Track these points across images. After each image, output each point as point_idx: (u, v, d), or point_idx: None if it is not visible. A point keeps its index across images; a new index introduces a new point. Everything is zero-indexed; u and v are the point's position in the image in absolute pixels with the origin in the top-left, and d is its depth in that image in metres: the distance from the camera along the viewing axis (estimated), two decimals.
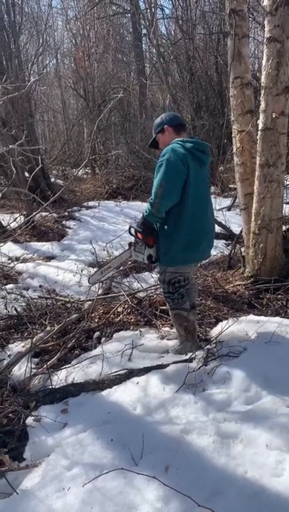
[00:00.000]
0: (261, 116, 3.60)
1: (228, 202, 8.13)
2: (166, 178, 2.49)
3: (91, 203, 9.46)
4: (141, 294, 3.74)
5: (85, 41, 13.47)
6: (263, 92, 3.57)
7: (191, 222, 2.57)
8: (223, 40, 10.76)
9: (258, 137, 3.70)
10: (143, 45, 15.32)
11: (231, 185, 9.32)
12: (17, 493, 1.83)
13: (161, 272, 2.82)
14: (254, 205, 3.82)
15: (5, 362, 2.81)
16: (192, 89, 11.29)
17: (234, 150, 4.13)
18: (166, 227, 2.63)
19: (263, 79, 3.57)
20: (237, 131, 4.04)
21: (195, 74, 11.27)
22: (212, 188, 9.80)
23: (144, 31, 14.33)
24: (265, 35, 3.51)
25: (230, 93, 4.12)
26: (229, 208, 7.78)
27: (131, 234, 2.86)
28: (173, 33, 13.93)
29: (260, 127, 3.63)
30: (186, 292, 2.91)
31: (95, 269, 3.29)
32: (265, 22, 3.52)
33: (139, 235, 2.76)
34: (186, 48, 11.13)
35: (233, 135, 4.15)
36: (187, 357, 2.77)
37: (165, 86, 10.01)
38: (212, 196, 8.74)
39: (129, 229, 2.88)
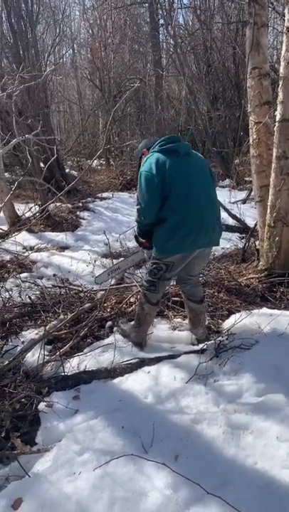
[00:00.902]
0: (279, 107, 3.55)
1: (243, 195, 8.06)
2: (141, 192, 2.62)
3: (105, 194, 9.47)
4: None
5: (101, 31, 13.39)
6: (281, 82, 3.52)
7: (176, 215, 2.52)
8: (242, 30, 10.61)
9: (275, 129, 3.64)
10: (160, 36, 15.19)
11: (247, 178, 9.23)
12: (29, 476, 1.87)
13: (149, 256, 2.86)
14: (270, 198, 3.78)
15: (18, 348, 2.84)
16: (209, 81, 11.18)
17: (250, 142, 4.09)
18: (158, 218, 2.66)
19: (281, 69, 3.51)
20: (254, 122, 3.99)
21: (212, 65, 11.15)
22: (227, 180, 9.73)
23: (161, 21, 14.19)
24: (285, 25, 3.45)
25: (247, 84, 4.07)
26: (244, 201, 7.71)
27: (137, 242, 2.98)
28: (190, 23, 13.79)
29: (277, 118, 3.58)
30: (189, 289, 2.93)
31: (104, 269, 3.32)
32: (285, 11, 3.45)
33: (143, 241, 2.89)
34: (203, 39, 11.00)
35: (249, 126, 4.10)
36: (199, 348, 2.77)
37: (182, 77, 9.93)
38: (227, 189, 8.66)
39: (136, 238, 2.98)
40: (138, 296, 3.00)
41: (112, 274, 3.14)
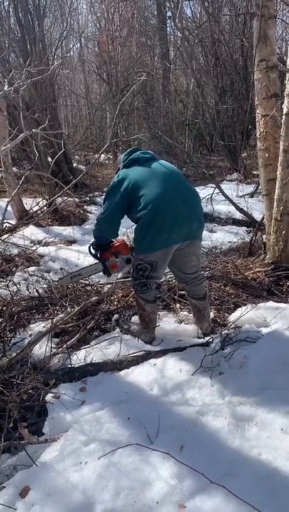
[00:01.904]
0: (286, 100, 3.52)
1: (251, 188, 8.03)
2: (104, 202, 2.78)
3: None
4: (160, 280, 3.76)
5: (109, 24, 13.33)
6: (288, 75, 3.49)
7: (147, 214, 2.52)
8: (250, 22, 10.50)
9: (282, 122, 3.62)
10: (167, 28, 15.09)
11: (255, 172, 9.18)
12: (36, 465, 1.90)
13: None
14: (276, 191, 3.77)
15: (26, 341, 2.87)
16: (217, 74, 11.08)
17: (257, 135, 4.07)
18: (134, 220, 2.69)
19: (288, 61, 3.48)
20: (261, 115, 3.97)
21: (220, 58, 11.04)
22: (234, 174, 9.68)
23: (168, 14, 14.10)
24: None
25: (254, 76, 4.04)
26: (252, 195, 7.68)
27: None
28: (198, 16, 13.67)
29: (284, 111, 3.55)
30: (189, 288, 2.93)
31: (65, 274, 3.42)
32: None
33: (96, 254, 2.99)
34: (211, 31, 10.89)
35: (256, 119, 4.08)
36: (205, 341, 2.79)
37: (189, 70, 9.87)
38: (234, 183, 8.62)
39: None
40: (135, 302, 3.01)
41: (74, 278, 3.23)
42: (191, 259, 2.82)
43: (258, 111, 4.02)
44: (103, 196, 8.82)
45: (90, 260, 4.96)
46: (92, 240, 2.98)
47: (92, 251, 2.98)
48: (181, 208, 2.55)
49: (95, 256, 2.99)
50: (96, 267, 3.11)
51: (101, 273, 3.93)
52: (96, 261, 3.07)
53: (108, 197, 2.73)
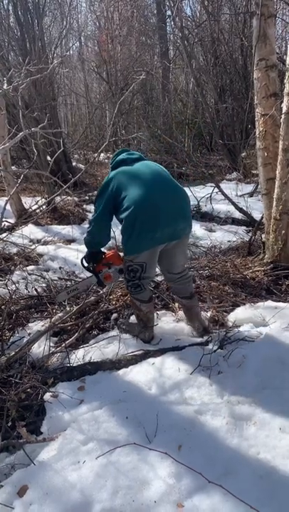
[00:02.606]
0: (285, 99, 3.51)
1: (250, 188, 8.02)
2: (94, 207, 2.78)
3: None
4: (158, 278, 3.76)
5: (108, 23, 13.34)
6: (287, 74, 3.48)
7: (130, 215, 2.50)
8: (249, 21, 10.49)
9: (281, 121, 3.62)
10: (167, 27, 15.06)
11: (254, 171, 9.18)
12: (34, 464, 1.90)
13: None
14: (276, 190, 3.76)
15: (25, 340, 2.87)
16: (216, 73, 11.07)
17: (257, 134, 4.06)
18: (119, 221, 2.69)
19: (288, 61, 3.48)
20: (260, 114, 3.96)
21: (219, 57, 11.03)
22: (234, 173, 9.68)
23: (168, 13, 14.06)
24: None
25: (254, 75, 4.03)
26: (251, 194, 7.68)
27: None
28: (198, 15, 13.65)
29: (283, 110, 3.55)
30: (175, 286, 2.93)
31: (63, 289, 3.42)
32: None
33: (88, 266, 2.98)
34: (211, 30, 10.88)
35: (256, 119, 4.07)
36: (203, 340, 2.79)
37: (189, 69, 9.86)
38: (234, 182, 8.61)
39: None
40: (130, 303, 3.01)
41: (71, 293, 3.22)
42: (177, 259, 2.81)
43: (257, 110, 4.01)
44: None
45: None
46: (84, 251, 2.97)
47: (85, 264, 2.96)
48: (165, 207, 2.52)
49: (87, 269, 2.98)
50: (91, 280, 3.10)
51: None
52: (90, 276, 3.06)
53: (96, 200, 2.73)
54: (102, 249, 2.97)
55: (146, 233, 2.50)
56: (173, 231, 2.57)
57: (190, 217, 2.71)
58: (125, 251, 2.68)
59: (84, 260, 2.96)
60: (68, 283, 3.93)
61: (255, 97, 4.02)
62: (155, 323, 3.00)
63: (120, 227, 2.64)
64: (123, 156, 2.82)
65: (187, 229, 2.70)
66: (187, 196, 2.72)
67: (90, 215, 7.52)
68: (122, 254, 2.82)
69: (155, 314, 3.19)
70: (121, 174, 2.65)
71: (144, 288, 2.80)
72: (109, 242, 2.95)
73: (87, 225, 6.86)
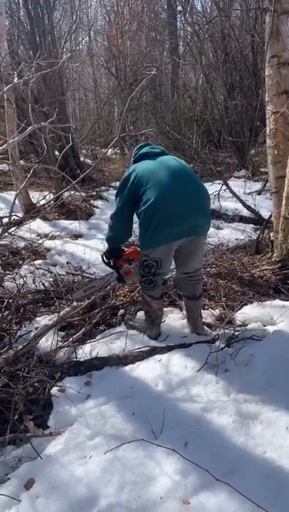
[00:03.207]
0: None
1: (258, 186, 7.98)
2: (115, 202, 2.80)
3: (119, 183, 9.46)
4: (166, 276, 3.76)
5: (118, 18, 13.28)
6: None
7: (148, 209, 2.51)
8: (261, 17, 10.40)
9: None
10: (177, 23, 14.98)
11: (262, 169, 9.12)
12: (41, 458, 1.91)
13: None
14: (285, 189, 3.74)
15: (32, 334, 2.88)
16: (226, 70, 10.99)
17: (267, 132, 4.03)
18: (137, 215, 2.69)
19: None
20: (271, 112, 3.93)
21: (230, 53, 10.95)
22: (242, 171, 9.64)
23: (179, 8, 13.98)
24: None
25: (265, 73, 4.00)
26: (259, 192, 7.64)
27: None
28: (209, 10, 13.56)
29: None
30: (182, 284, 2.94)
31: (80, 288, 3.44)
32: None
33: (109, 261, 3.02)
34: (221, 26, 10.80)
35: (266, 116, 4.04)
36: (210, 338, 2.78)
37: (198, 65, 9.80)
38: (242, 180, 8.57)
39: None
40: (140, 298, 3.01)
41: (88, 291, 3.23)
42: (192, 257, 2.78)
43: (268, 107, 3.98)
44: (110, 191, 8.85)
45: (96, 255, 4.97)
46: (105, 247, 2.99)
47: (106, 259, 2.99)
48: (184, 202, 2.51)
49: (108, 264, 2.99)
50: (109, 278, 3.10)
51: (107, 267, 3.94)
52: (109, 273, 3.08)
53: (117, 194, 2.74)
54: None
55: (163, 227, 2.50)
56: (190, 226, 2.55)
57: (209, 215, 2.70)
58: (141, 245, 2.68)
59: (104, 256, 2.98)
60: (75, 278, 3.93)
61: (267, 95, 3.99)
62: (162, 320, 3.00)
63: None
64: (146, 149, 2.82)
65: (205, 226, 2.68)
66: (207, 193, 2.71)
67: (97, 211, 7.53)
68: None
69: (163, 311, 3.19)
70: (142, 168, 2.64)
71: (158, 285, 2.80)
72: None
73: (94, 221, 6.90)
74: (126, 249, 2.98)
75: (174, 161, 2.72)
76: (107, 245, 3.00)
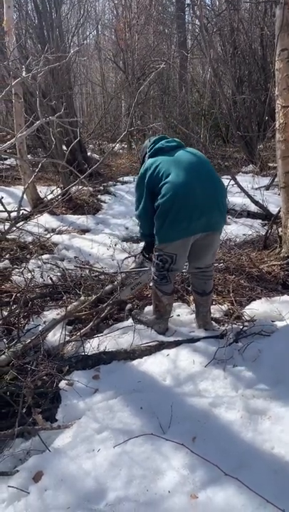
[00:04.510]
0: None
1: (266, 181, 7.93)
2: (135, 198, 2.82)
3: (126, 178, 9.44)
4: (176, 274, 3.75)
5: (126, 12, 13.19)
6: None
7: (165, 202, 2.51)
8: (270, 10, 10.29)
9: None
10: (186, 16, 14.85)
11: (271, 164, 9.06)
12: (49, 451, 1.93)
13: (154, 248, 2.88)
14: None
15: (40, 328, 2.89)
16: (234, 63, 10.90)
17: (277, 126, 3.99)
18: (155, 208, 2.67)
19: None
20: (281, 106, 3.89)
21: (238, 47, 10.84)
22: (250, 166, 9.57)
23: (187, 1, 13.88)
24: None
25: (275, 66, 3.96)
26: (267, 187, 7.58)
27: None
28: (217, 3, 13.44)
29: None
30: (193, 279, 2.93)
31: (124, 253, 3.43)
32: None
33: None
34: (230, 19, 10.69)
35: (276, 110, 4.00)
36: (218, 333, 2.78)
37: (207, 59, 9.72)
38: (250, 175, 8.51)
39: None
40: (152, 292, 3.00)
41: (135, 288, 3.25)
42: (206, 253, 2.77)
43: (277, 102, 3.94)
44: (117, 186, 8.81)
45: (103, 250, 4.97)
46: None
47: (146, 255, 3.05)
48: (202, 197, 2.51)
49: (150, 259, 3.00)
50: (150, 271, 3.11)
51: (114, 262, 3.93)
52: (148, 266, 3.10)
53: (136, 191, 2.76)
54: None
55: (180, 222, 2.50)
56: (207, 222, 2.55)
57: (225, 211, 2.69)
58: (157, 239, 2.67)
59: (144, 252, 3.04)
60: (83, 272, 3.94)
61: (276, 89, 3.95)
62: (170, 315, 3.00)
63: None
64: (162, 144, 2.78)
65: (222, 222, 2.69)
66: (225, 190, 2.72)
67: (104, 206, 7.52)
68: None
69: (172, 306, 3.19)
70: (160, 162, 2.63)
71: (170, 280, 2.80)
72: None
73: (101, 216, 6.90)
74: None
75: (192, 154, 2.70)
76: (143, 243, 3.05)
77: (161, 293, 2.84)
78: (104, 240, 5.37)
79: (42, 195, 6.70)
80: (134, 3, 13.42)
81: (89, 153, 10.84)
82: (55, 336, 2.83)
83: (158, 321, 2.91)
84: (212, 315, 3.05)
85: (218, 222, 2.65)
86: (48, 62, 5.10)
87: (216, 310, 3.19)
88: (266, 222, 5.66)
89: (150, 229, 2.74)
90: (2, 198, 3.16)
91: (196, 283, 2.92)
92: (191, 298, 3.33)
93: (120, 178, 9.45)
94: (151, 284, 3.07)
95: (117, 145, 12.98)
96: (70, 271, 4.05)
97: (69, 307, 3.10)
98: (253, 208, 6.27)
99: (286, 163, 3.95)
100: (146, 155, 2.84)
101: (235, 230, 5.54)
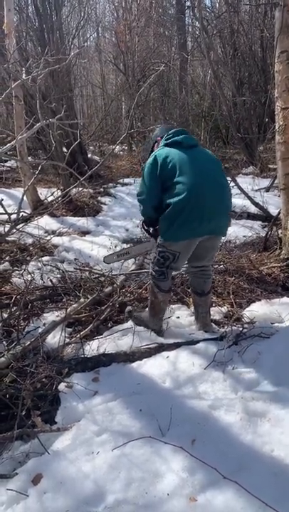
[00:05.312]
0: None
1: (266, 182, 7.93)
2: (142, 181, 2.76)
3: (126, 180, 9.46)
4: (173, 272, 3.75)
5: (126, 14, 13.23)
6: None
7: (177, 201, 2.51)
8: (270, 12, 10.31)
9: None
10: (186, 19, 14.88)
11: (271, 166, 9.06)
12: (48, 453, 1.92)
13: (157, 244, 2.86)
14: None
15: (40, 330, 2.89)
16: (234, 65, 10.92)
17: (276, 128, 4.00)
18: (163, 205, 2.67)
19: None
20: (280, 108, 3.90)
21: (238, 49, 10.87)
22: (250, 167, 9.58)
23: (187, 3, 13.90)
24: None
25: (275, 68, 3.96)
26: (268, 189, 7.59)
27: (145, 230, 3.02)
28: (217, 6, 13.47)
29: None
30: (193, 278, 2.94)
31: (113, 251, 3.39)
32: None
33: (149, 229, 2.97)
34: (230, 22, 10.72)
35: (276, 112, 4.01)
36: (218, 335, 2.78)
37: (207, 61, 9.74)
38: (250, 176, 8.53)
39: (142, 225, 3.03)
40: (148, 287, 3.01)
41: (121, 257, 3.21)
42: (207, 254, 2.80)
43: (277, 103, 3.95)
44: (117, 187, 8.81)
45: (104, 251, 4.98)
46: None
47: (145, 227, 2.98)
48: (214, 201, 2.55)
49: (147, 231, 2.98)
50: (146, 246, 3.09)
51: (114, 264, 3.93)
52: (145, 241, 3.03)
53: (145, 178, 2.70)
54: None
55: (190, 223, 2.52)
56: (215, 226, 2.60)
57: (229, 216, 2.76)
58: (163, 236, 2.68)
59: (144, 224, 2.98)
60: (83, 274, 3.94)
61: (276, 91, 3.96)
62: (169, 316, 2.99)
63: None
64: (181, 138, 2.74)
65: (227, 227, 2.74)
66: (231, 195, 2.74)
67: (104, 207, 7.53)
68: None
69: (169, 308, 3.19)
70: (178, 157, 2.60)
71: (167, 278, 2.81)
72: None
73: (101, 217, 6.90)
74: None
75: (208, 156, 2.72)
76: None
77: (157, 289, 2.84)
78: (105, 241, 5.38)
79: (42, 197, 6.71)
80: (135, 6, 13.47)
81: (89, 155, 10.85)
82: (54, 338, 2.82)
83: (151, 319, 2.92)
84: (212, 317, 3.05)
85: (225, 226, 2.71)
86: (49, 64, 5.11)
87: (216, 312, 3.19)
88: (266, 223, 5.66)
89: (152, 214, 2.76)
90: (2, 200, 3.16)
91: (195, 282, 2.93)
92: (191, 300, 3.33)
93: (120, 180, 9.46)
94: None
95: (118, 147, 12.99)
96: (70, 273, 4.05)
97: (69, 309, 3.09)
98: (253, 209, 6.28)
99: (286, 164, 3.95)
100: (161, 143, 2.79)
101: (235, 231, 5.55)
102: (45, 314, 3.25)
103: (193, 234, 2.58)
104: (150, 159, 2.69)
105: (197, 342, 2.68)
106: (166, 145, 2.73)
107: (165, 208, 2.59)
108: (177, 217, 2.53)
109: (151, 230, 2.94)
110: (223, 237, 2.83)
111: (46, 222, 6.14)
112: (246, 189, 6.35)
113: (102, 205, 7.64)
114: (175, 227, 2.55)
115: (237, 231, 5.57)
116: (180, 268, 2.90)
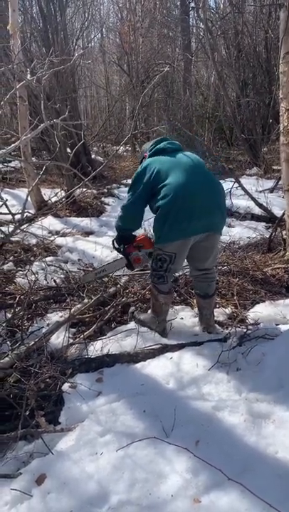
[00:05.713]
0: None
1: (270, 184, 7.91)
2: (128, 192, 2.79)
3: (130, 181, 9.44)
4: (176, 274, 3.75)
5: (130, 15, 13.25)
6: None
7: (166, 203, 2.51)
8: (275, 13, 10.29)
9: None
10: (190, 20, 14.87)
11: (275, 167, 9.04)
12: (52, 454, 1.92)
13: (154, 248, 2.87)
14: None
15: (43, 330, 2.90)
16: (239, 66, 10.91)
17: (281, 129, 3.99)
18: (154, 209, 2.68)
19: None
20: (285, 109, 3.89)
21: (243, 50, 10.86)
22: (254, 168, 9.57)
23: (192, 4, 13.90)
24: None
25: (279, 69, 3.96)
26: (272, 190, 7.57)
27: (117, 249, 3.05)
28: (222, 7, 13.47)
29: None
30: (196, 282, 2.94)
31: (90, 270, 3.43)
32: None
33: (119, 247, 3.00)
34: (234, 22, 10.72)
35: (280, 113, 4.00)
36: (222, 336, 2.77)
37: (211, 62, 9.74)
38: (254, 177, 8.50)
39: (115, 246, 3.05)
40: (149, 289, 3.01)
41: (98, 274, 3.25)
42: (207, 254, 2.79)
43: (282, 105, 3.94)
44: (121, 188, 8.81)
45: (107, 252, 4.98)
46: (115, 234, 2.98)
47: (116, 245, 3.00)
48: (202, 199, 2.54)
49: (118, 250, 3.00)
50: (119, 262, 3.11)
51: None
52: (119, 256, 3.07)
53: (132, 186, 2.74)
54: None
55: (180, 223, 2.51)
56: (208, 223, 2.59)
57: (225, 213, 2.71)
58: (156, 239, 2.69)
59: (115, 242, 2.99)
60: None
61: (280, 92, 3.95)
62: (174, 317, 2.99)
63: (150, 215, 2.68)
64: (163, 144, 2.81)
65: (222, 224, 2.71)
66: (224, 192, 2.74)
67: (108, 208, 7.53)
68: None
69: (173, 309, 3.19)
70: (160, 162, 2.65)
71: (167, 280, 2.81)
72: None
73: (105, 218, 6.90)
74: (137, 235, 2.98)
75: (191, 157, 2.72)
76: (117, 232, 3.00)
77: (157, 291, 2.85)
78: (108, 242, 5.36)
79: (46, 198, 6.71)
80: (139, 7, 13.47)
81: (93, 156, 10.86)
82: (58, 339, 2.83)
83: (154, 320, 2.92)
84: (216, 318, 3.04)
85: (219, 223, 2.68)
86: (53, 65, 5.12)
87: (220, 313, 3.18)
88: (270, 224, 5.64)
89: (130, 224, 2.82)
90: (6, 200, 3.17)
91: (198, 286, 2.93)
92: (195, 301, 3.33)
93: (124, 181, 9.46)
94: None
95: (121, 148, 13.01)
96: (73, 273, 4.06)
97: (72, 309, 3.10)
98: (257, 210, 6.26)
99: None
100: (147, 155, 2.86)
101: (239, 232, 5.54)
102: (48, 314, 3.25)
103: (184, 234, 2.57)
104: (138, 169, 2.75)
105: (201, 343, 2.68)
106: (150, 156, 2.79)
107: (156, 212, 2.62)
108: (166, 218, 2.53)
109: (121, 248, 2.96)
110: (221, 236, 2.80)
111: (50, 222, 6.15)
112: (250, 190, 6.33)
113: (105, 206, 7.64)
114: (166, 229, 2.55)
115: (241, 232, 5.56)
116: (178, 270, 2.91)
